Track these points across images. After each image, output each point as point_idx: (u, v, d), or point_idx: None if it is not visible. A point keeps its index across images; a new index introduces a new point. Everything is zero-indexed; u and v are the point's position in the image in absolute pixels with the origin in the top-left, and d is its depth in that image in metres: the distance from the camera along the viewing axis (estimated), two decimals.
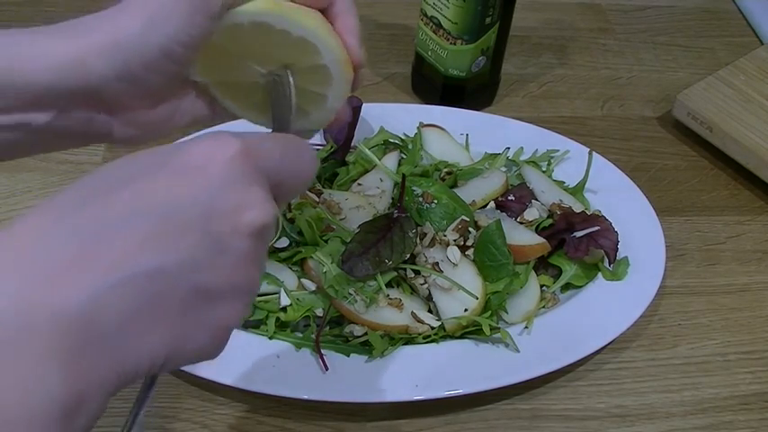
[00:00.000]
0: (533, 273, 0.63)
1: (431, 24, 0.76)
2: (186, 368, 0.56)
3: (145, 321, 0.31)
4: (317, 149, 0.71)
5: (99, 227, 0.31)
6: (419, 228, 0.62)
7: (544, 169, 0.72)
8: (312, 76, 0.46)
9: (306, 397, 0.56)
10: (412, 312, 0.59)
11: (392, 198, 0.66)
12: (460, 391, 0.56)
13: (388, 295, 0.59)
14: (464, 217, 0.63)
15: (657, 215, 0.68)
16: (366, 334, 0.58)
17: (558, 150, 0.73)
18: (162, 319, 0.32)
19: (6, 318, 0.28)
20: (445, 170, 0.69)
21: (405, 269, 0.61)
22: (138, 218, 0.31)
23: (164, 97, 0.44)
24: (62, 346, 0.29)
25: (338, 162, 0.69)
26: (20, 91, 0.40)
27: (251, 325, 0.60)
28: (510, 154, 0.72)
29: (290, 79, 0.45)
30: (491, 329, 0.58)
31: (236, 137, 0.34)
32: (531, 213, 0.66)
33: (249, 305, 0.35)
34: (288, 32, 0.43)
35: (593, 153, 0.71)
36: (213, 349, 0.34)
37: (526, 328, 0.60)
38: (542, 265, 0.64)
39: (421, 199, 0.64)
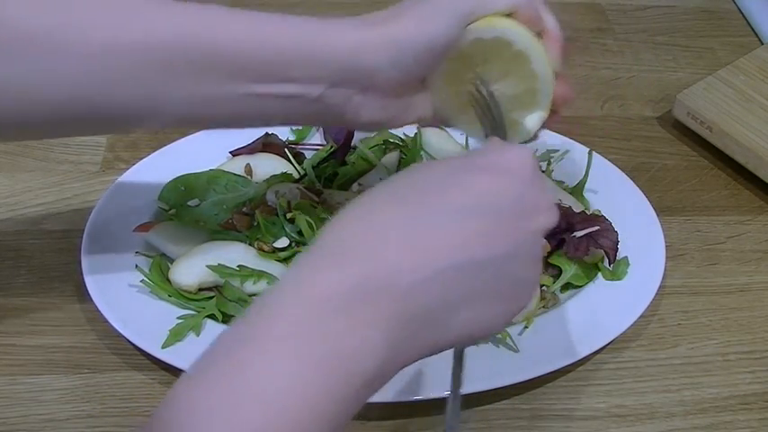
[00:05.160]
0: None
1: None
2: (183, 365, 0.55)
3: (467, 302, 0.37)
4: (317, 149, 0.71)
5: (435, 217, 0.37)
6: None
7: (544, 169, 0.72)
8: (522, 97, 0.52)
9: None
10: None
11: None
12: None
13: None
14: None
15: (657, 215, 0.68)
16: None
17: (557, 150, 0.73)
18: (479, 301, 0.38)
19: (348, 288, 0.34)
20: None
21: None
22: (468, 213, 0.37)
23: (409, 91, 0.52)
24: (390, 317, 0.34)
25: (338, 162, 0.69)
26: (314, 66, 0.47)
27: None
28: None
29: (493, 92, 0.51)
30: None
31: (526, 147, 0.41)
32: None
33: (534, 296, 0.42)
34: (527, 59, 0.51)
35: (593, 153, 0.71)
36: (502, 328, 0.41)
37: (526, 327, 0.60)
38: (542, 265, 0.64)
39: None
